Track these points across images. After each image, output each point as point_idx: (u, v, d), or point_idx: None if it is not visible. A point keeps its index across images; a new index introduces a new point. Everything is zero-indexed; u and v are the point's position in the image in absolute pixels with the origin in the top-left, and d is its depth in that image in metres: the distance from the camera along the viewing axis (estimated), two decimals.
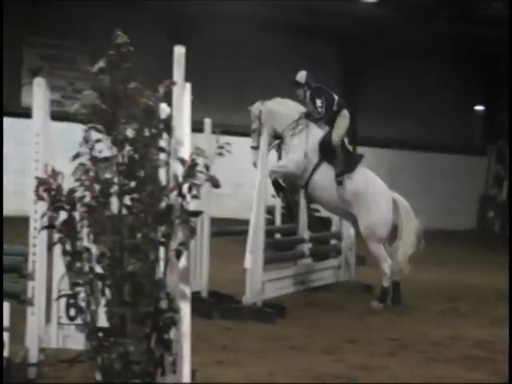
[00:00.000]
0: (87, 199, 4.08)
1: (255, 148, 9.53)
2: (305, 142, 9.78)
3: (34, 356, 5.42)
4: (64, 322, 5.43)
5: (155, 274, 4.02)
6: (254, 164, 9.23)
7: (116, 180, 4.07)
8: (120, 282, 3.97)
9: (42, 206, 4.46)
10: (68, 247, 4.13)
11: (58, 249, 4.64)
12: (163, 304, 4.00)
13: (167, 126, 4.16)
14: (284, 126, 9.85)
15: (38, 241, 5.42)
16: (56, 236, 4.22)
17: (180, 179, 4.08)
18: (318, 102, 9.89)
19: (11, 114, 17.47)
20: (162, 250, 4.06)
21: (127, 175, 4.07)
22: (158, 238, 4.04)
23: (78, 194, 4.12)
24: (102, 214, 4.04)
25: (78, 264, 4.11)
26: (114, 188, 4.06)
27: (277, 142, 9.99)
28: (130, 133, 4.12)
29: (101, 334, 3.99)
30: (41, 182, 4.17)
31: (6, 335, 5.34)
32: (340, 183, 9.71)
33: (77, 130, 4.28)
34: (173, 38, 17.77)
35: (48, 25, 18.38)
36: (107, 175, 4.07)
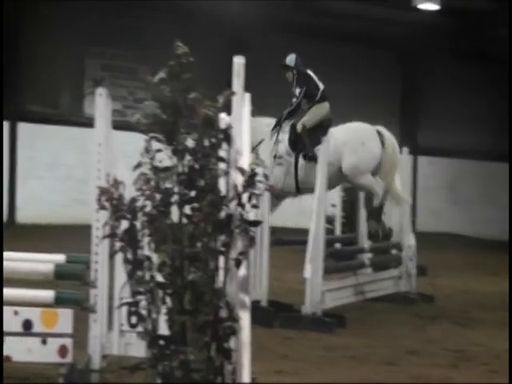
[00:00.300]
0: (148, 208, 4.12)
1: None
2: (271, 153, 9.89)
3: (96, 363, 5.49)
4: (125, 330, 5.48)
5: (215, 283, 4.04)
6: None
7: (176, 189, 4.10)
8: (180, 290, 4.00)
9: (104, 215, 4.53)
10: (129, 256, 4.18)
11: (119, 257, 4.70)
12: (223, 313, 4.02)
13: (227, 135, 4.19)
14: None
15: (100, 249, 5.48)
16: (117, 244, 4.27)
17: (239, 189, 4.10)
18: (297, 91, 9.96)
19: (74, 123, 17.75)
20: (221, 260, 4.08)
21: (187, 185, 4.10)
22: (218, 247, 4.06)
23: (139, 203, 4.16)
24: (163, 223, 4.07)
25: (139, 272, 4.16)
26: (175, 197, 4.10)
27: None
28: (190, 143, 4.16)
29: (162, 342, 4.03)
30: (103, 191, 4.22)
31: (69, 342, 5.42)
32: (312, 160, 9.60)
33: (138, 140, 4.33)
34: (233, 48, 17.87)
35: (110, 36, 18.63)
36: (168, 185, 4.11)
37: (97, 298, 5.49)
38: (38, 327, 5.44)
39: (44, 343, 5.42)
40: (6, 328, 5.43)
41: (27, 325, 5.43)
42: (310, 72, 10.15)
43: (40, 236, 12.88)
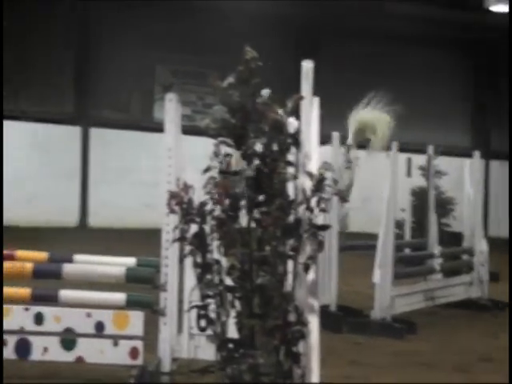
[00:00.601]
0: (217, 212, 4.14)
1: None
2: None
3: (166, 365, 5.55)
4: (195, 333, 5.52)
5: (284, 287, 4.05)
6: None
7: (245, 193, 4.12)
8: (249, 294, 4.01)
9: (174, 219, 4.57)
10: (199, 259, 4.21)
11: (189, 261, 4.74)
12: (292, 317, 4.02)
13: (295, 140, 4.19)
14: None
15: (169, 253, 5.54)
16: (187, 248, 4.30)
17: (308, 193, 4.09)
18: None
19: (144, 128, 17.98)
20: (290, 264, 4.08)
21: (256, 189, 4.11)
22: (287, 251, 4.06)
23: (208, 207, 4.19)
24: (232, 227, 4.09)
25: (208, 276, 4.18)
26: (244, 201, 4.11)
27: None
28: (258, 147, 4.17)
29: (231, 346, 4.05)
30: (173, 196, 4.26)
31: (140, 344, 5.49)
32: None
33: (207, 144, 4.36)
34: (300, 51, 17.86)
35: (180, 41, 18.82)
36: (237, 189, 4.12)
37: (167, 301, 5.55)
38: (109, 329, 5.53)
39: (116, 345, 5.51)
40: (78, 330, 5.53)
41: (99, 327, 5.52)
42: None
43: (111, 240, 13.07)
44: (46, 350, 5.54)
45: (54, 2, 17.47)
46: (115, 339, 5.53)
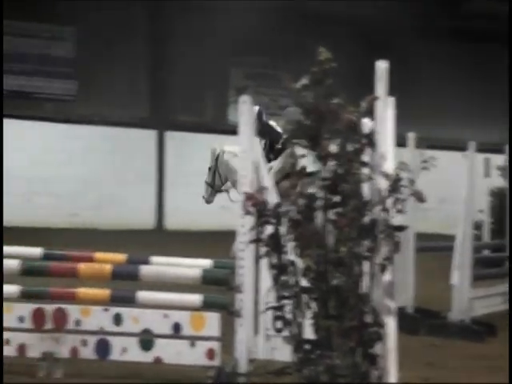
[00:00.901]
0: (292, 213, 4.15)
1: (207, 184, 10.56)
2: None
3: (243, 366, 5.57)
4: (271, 334, 5.53)
5: (359, 288, 4.03)
6: (203, 197, 10.50)
7: (320, 194, 4.12)
8: (325, 295, 4.01)
9: (249, 221, 4.59)
10: (274, 260, 4.23)
11: (264, 262, 4.76)
12: (368, 318, 4.00)
13: (370, 140, 4.17)
14: (235, 179, 9.78)
15: (245, 254, 5.56)
16: (263, 249, 4.32)
17: (384, 194, 4.07)
18: (262, 144, 10.16)
19: (218, 131, 18.10)
20: (366, 265, 4.06)
21: (331, 190, 4.11)
22: (362, 252, 4.04)
23: (283, 209, 4.20)
24: (307, 228, 4.10)
25: (283, 277, 4.19)
26: (319, 202, 4.11)
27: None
28: (333, 148, 4.16)
29: (307, 347, 4.05)
30: (248, 197, 4.29)
31: (216, 345, 5.53)
32: None
33: None
34: (372, 50, 17.73)
35: (253, 44, 18.89)
36: (312, 190, 4.12)
37: (242, 303, 5.57)
38: (186, 330, 5.58)
39: (192, 346, 5.56)
40: (156, 330, 5.61)
41: (176, 328, 5.58)
42: (271, 122, 10.30)
43: (187, 242, 13.20)
44: (124, 350, 5.62)
45: (128, 11, 17.73)
46: (192, 340, 5.58)
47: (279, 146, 10.25)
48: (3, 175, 15.05)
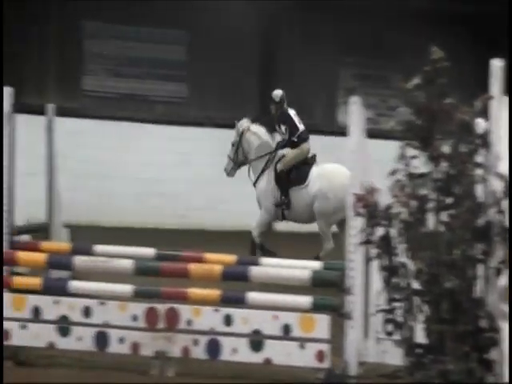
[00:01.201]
0: (404, 215, 4.09)
1: (230, 158, 10.65)
2: (270, 183, 10.39)
3: (353, 369, 5.53)
4: (382, 337, 5.46)
5: (473, 291, 3.94)
6: (225, 170, 10.61)
7: (432, 196, 4.05)
8: (437, 298, 3.94)
9: (359, 222, 4.55)
10: (385, 262, 4.18)
11: (375, 264, 4.71)
12: (483, 323, 3.90)
13: (484, 140, 4.07)
14: (253, 157, 10.50)
15: (355, 256, 5.52)
16: (373, 251, 4.28)
17: (499, 195, 3.97)
18: (283, 128, 10.48)
19: (327, 132, 18.05)
20: (480, 268, 3.97)
21: (444, 191, 4.03)
22: (476, 255, 3.95)
23: (394, 210, 4.15)
24: (419, 230, 4.03)
25: (395, 279, 4.15)
26: (431, 204, 4.04)
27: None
28: (445, 149, 4.09)
29: (419, 351, 3.99)
30: (358, 199, 4.26)
31: (326, 347, 5.51)
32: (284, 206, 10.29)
33: (391, 147, 4.32)
34: (487, 48, 17.34)
35: (362, 45, 18.78)
36: (423, 191, 4.06)
37: (353, 305, 5.53)
38: (296, 332, 5.58)
39: (302, 347, 5.56)
40: (266, 331, 5.63)
41: (286, 329, 5.59)
42: (291, 112, 10.62)
43: (297, 243, 13.21)
44: (234, 350, 5.66)
45: (239, 12, 17.89)
46: (302, 342, 5.57)
47: (295, 140, 10.40)
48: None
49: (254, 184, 10.53)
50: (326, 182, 10.17)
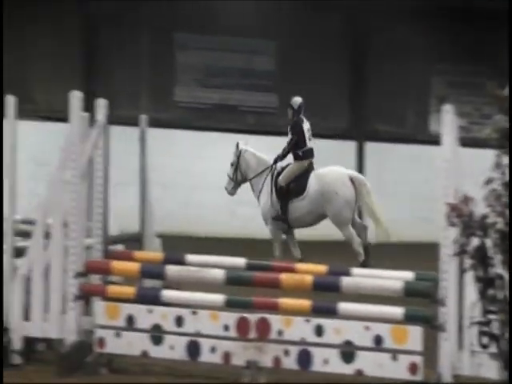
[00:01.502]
0: (500, 225, 4.00)
1: (229, 177, 10.95)
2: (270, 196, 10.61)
3: (447, 382, 5.42)
4: (476, 350, 5.34)
5: None
6: (226, 189, 10.95)
7: None
8: None
9: (453, 232, 4.47)
10: (480, 274, 4.09)
11: (469, 275, 4.61)
12: None
13: None
14: (251, 176, 10.80)
15: (448, 267, 5.42)
16: (468, 262, 4.19)
17: None
18: (288, 138, 10.59)
19: (419, 141, 17.82)
20: None
21: None
22: None
23: (490, 220, 4.05)
24: None
25: (490, 291, 4.05)
26: None
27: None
28: None
29: None
30: (453, 208, 4.18)
31: (419, 359, 5.42)
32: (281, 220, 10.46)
33: (485, 156, 4.23)
34: None
35: (454, 52, 18.49)
36: None
37: (446, 317, 5.43)
38: (388, 343, 5.51)
39: (394, 359, 5.48)
40: (357, 342, 5.57)
41: (378, 340, 5.52)
42: (304, 125, 10.57)
43: (387, 254, 13.07)
44: (326, 361, 5.63)
45: (326, 23, 17.86)
46: (394, 353, 5.50)
47: (300, 154, 10.48)
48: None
49: (258, 199, 10.84)
50: (326, 185, 10.32)
